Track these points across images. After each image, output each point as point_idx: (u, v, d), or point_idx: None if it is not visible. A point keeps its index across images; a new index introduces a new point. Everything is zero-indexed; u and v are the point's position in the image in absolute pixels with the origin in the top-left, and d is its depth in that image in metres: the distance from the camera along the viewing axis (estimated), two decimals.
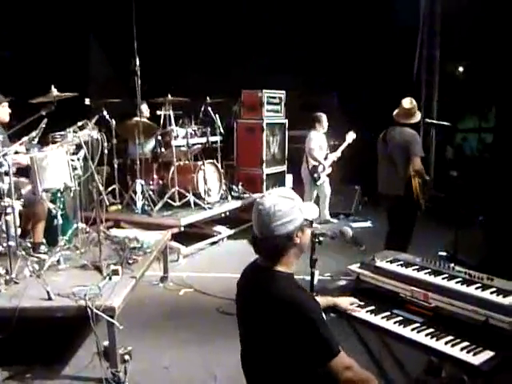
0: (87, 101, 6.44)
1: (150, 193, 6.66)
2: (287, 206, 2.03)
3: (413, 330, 2.39)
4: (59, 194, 4.48)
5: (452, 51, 9.64)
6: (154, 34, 8.26)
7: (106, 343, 3.42)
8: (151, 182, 6.82)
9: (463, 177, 10.42)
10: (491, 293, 2.43)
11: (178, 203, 6.69)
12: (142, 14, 6.56)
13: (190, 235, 6.56)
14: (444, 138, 10.96)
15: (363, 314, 2.57)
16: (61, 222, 4.38)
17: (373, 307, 2.62)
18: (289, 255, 2.08)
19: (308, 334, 1.93)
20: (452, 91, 10.40)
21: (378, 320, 2.52)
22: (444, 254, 5.70)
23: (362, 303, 2.63)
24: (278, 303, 1.98)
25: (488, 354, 2.13)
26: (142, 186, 6.56)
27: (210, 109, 7.33)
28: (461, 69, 12.77)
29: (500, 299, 2.35)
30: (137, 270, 4.08)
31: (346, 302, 2.59)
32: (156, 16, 8.58)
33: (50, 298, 3.44)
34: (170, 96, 6.83)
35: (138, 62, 6.29)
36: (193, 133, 7.04)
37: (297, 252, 2.11)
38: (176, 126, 6.96)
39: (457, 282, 2.57)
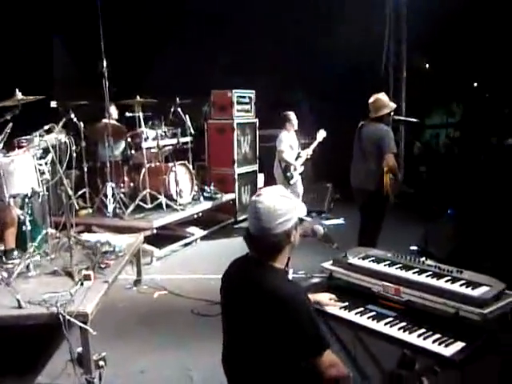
0: (53, 103, 6.33)
1: (121, 196, 6.58)
2: (286, 205, 2.10)
3: (386, 324, 2.42)
4: (27, 200, 4.37)
5: (418, 47, 9.81)
6: (121, 35, 8.15)
7: (79, 350, 3.36)
8: (122, 185, 6.75)
9: (431, 172, 10.65)
10: (461, 285, 2.47)
11: (149, 205, 6.64)
12: (108, 15, 6.46)
13: (162, 237, 6.51)
14: (412, 134, 11.14)
15: (337, 310, 2.60)
16: (29, 228, 4.28)
17: (346, 303, 2.64)
18: (284, 252, 2.15)
19: (296, 327, 1.97)
20: (419, 87, 10.57)
21: (351, 316, 2.54)
22: (415, 248, 5.79)
23: (337, 299, 2.65)
24: (270, 295, 2.01)
25: (459, 345, 2.17)
26: (112, 188, 6.48)
27: (179, 109, 7.29)
28: (427, 65, 12.99)
29: (469, 291, 2.39)
30: (109, 274, 4.02)
31: (325, 298, 2.62)
32: (123, 16, 8.49)
33: (20, 306, 3.36)
34: (138, 97, 6.76)
35: (105, 64, 6.20)
36: (163, 134, 6.99)
37: (290, 249, 2.17)
38: (146, 127, 6.90)
39: (427, 276, 2.60)
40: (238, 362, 2.16)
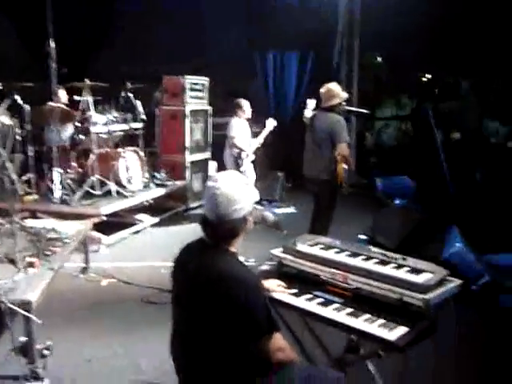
0: None
1: (69, 181, 6.39)
2: (243, 192, 2.12)
3: (333, 310, 2.47)
4: None
5: (370, 41, 9.98)
6: (70, 15, 7.89)
7: (23, 339, 3.26)
8: (70, 171, 6.55)
9: (382, 163, 10.91)
10: (405, 272, 2.54)
11: (98, 192, 6.49)
12: None
13: (112, 224, 6.37)
14: (364, 125, 11.37)
15: (286, 296, 2.62)
16: None
17: (295, 290, 2.67)
18: (239, 237, 2.18)
19: (248, 308, 2.00)
20: (370, 80, 10.79)
21: (300, 302, 2.57)
22: (364, 237, 5.93)
23: (286, 285, 2.68)
24: (224, 277, 2.03)
25: (403, 330, 2.23)
26: (59, 174, 6.29)
27: (130, 95, 7.14)
28: (379, 59, 13.25)
29: (413, 277, 2.47)
30: (55, 261, 3.91)
31: (273, 285, 2.64)
32: None
33: None
34: (88, 81, 6.57)
35: (52, 44, 5.98)
36: (113, 119, 6.84)
37: (244, 233, 2.20)
38: (95, 112, 6.71)
39: (373, 263, 2.67)
40: (187, 348, 2.15)
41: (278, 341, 2.07)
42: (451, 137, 12.76)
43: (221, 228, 2.12)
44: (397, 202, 6.42)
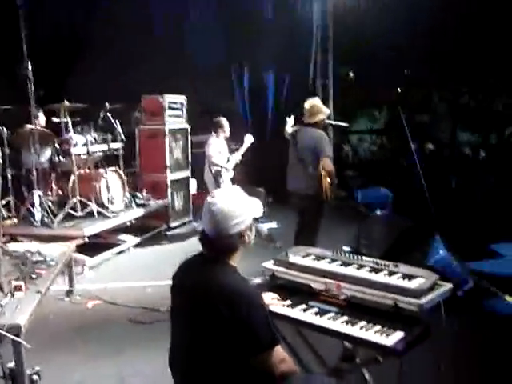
0: None
1: (49, 204, 6.32)
2: (240, 207, 2.15)
3: (329, 319, 2.49)
4: None
5: (343, 56, 10.19)
6: (45, 37, 7.86)
7: (11, 364, 3.19)
8: (50, 193, 6.49)
9: (359, 176, 11.06)
10: (398, 278, 2.59)
11: (80, 213, 6.43)
12: (30, 15, 6.19)
13: (94, 246, 6.31)
14: (340, 139, 11.54)
15: (281, 308, 2.63)
16: None
17: (289, 301, 2.69)
18: (238, 252, 2.20)
19: (249, 322, 2.00)
20: (345, 94, 10.98)
21: (295, 313, 2.59)
22: (348, 248, 5.97)
23: (280, 298, 2.70)
24: (225, 291, 2.04)
25: (399, 335, 2.27)
26: (39, 197, 6.21)
27: (109, 115, 7.12)
28: (351, 74, 13.50)
29: (406, 283, 2.51)
30: (42, 284, 3.85)
31: (268, 298, 2.65)
32: (46, 17, 8.16)
33: None
34: (66, 102, 6.54)
35: (30, 67, 5.93)
36: (93, 140, 6.81)
37: (244, 248, 2.22)
38: (75, 133, 6.67)
39: (366, 271, 2.71)
40: (187, 362, 2.14)
41: (280, 353, 2.08)
42: (425, 148, 13.05)
43: (218, 243, 2.14)
44: (377, 212, 6.49)
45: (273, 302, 2.66)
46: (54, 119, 6.75)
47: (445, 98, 13.48)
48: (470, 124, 12.90)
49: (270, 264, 2.99)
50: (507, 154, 11.22)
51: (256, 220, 2.27)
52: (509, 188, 7.95)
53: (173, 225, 8.06)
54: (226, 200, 2.14)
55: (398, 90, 14.62)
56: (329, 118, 5.81)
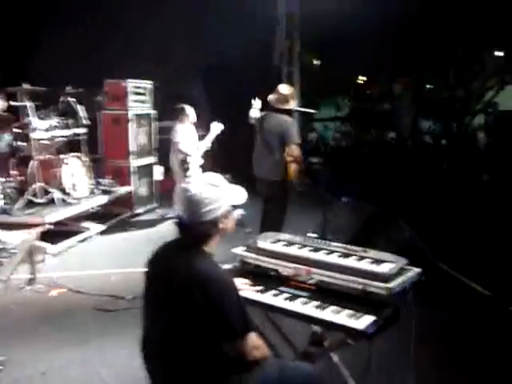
0: None
1: (9, 190, 6.12)
2: (213, 194, 2.11)
3: (301, 304, 2.51)
4: None
5: (310, 43, 10.21)
6: (6, 18, 7.55)
7: None
8: (9, 179, 6.27)
9: (324, 163, 11.19)
10: (367, 263, 2.63)
11: (41, 200, 6.25)
12: None
13: (57, 233, 6.15)
14: (304, 127, 11.62)
15: (252, 294, 2.64)
16: None
17: (260, 287, 2.69)
18: (213, 239, 2.18)
19: (222, 308, 1.99)
20: (310, 82, 11.03)
21: (266, 298, 2.61)
22: (313, 235, 6.01)
23: (251, 283, 2.70)
24: (198, 277, 2.02)
25: (369, 319, 2.31)
26: None
27: (71, 99, 6.93)
28: (317, 61, 13.58)
29: (375, 268, 2.55)
30: (3, 272, 3.76)
31: (238, 283, 2.63)
32: None
33: None
34: (26, 85, 6.32)
35: None
36: (55, 125, 6.60)
37: (221, 236, 2.21)
38: (35, 117, 6.46)
39: (336, 256, 2.74)
40: (159, 349, 2.12)
41: (254, 339, 2.09)
42: (387, 136, 13.31)
43: (192, 229, 2.13)
44: (343, 199, 6.58)
45: (243, 287, 2.66)
46: (13, 103, 6.52)
47: (407, 87, 13.73)
48: (432, 113, 13.19)
49: (240, 250, 2.99)
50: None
51: (234, 207, 2.24)
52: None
53: (137, 211, 7.95)
54: (199, 186, 2.13)
55: (361, 78, 14.83)
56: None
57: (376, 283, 2.44)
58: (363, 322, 2.29)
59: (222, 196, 2.15)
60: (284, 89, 5.26)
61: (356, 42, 10.69)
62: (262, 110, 5.53)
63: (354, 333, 2.27)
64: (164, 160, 7.96)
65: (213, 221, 2.12)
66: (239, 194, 2.27)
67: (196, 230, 2.13)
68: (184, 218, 2.13)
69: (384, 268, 2.53)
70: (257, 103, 5.54)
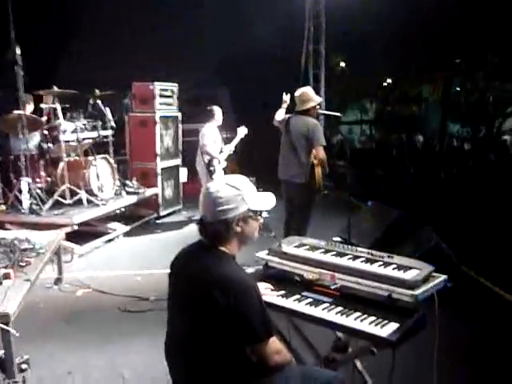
0: None
1: (38, 191, 6.24)
2: (229, 194, 2.09)
3: (323, 309, 2.48)
4: None
5: (336, 47, 10.16)
6: (34, 21, 7.70)
7: (0, 353, 3.16)
8: (38, 180, 6.39)
9: (349, 166, 11.08)
10: (393, 269, 2.58)
11: (69, 201, 6.36)
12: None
13: (84, 234, 6.26)
14: (330, 129, 11.56)
15: (275, 298, 2.62)
16: None
17: (283, 291, 2.67)
18: (231, 241, 2.14)
19: (244, 312, 1.98)
20: (336, 84, 10.97)
21: (289, 303, 2.58)
22: (338, 239, 5.96)
23: (273, 288, 2.68)
24: (219, 280, 2.00)
25: (394, 326, 2.26)
26: (28, 184, 6.12)
27: (99, 102, 7.03)
28: (343, 64, 13.47)
29: (401, 274, 2.50)
30: (31, 272, 3.80)
31: (261, 287, 2.61)
32: (37, 1, 8.01)
33: None
34: (56, 88, 6.43)
35: (18, 51, 5.82)
36: (82, 127, 6.71)
37: (240, 240, 2.17)
38: (64, 119, 6.58)
39: (360, 262, 2.70)
40: (184, 350, 2.11)
41: (275, 343, 2.07)
42: (415, 140, 13.10)
43: (207, 227, 2.13)
44: (368, 203, 6.50)
45: (266, 292, 2.64)
46: (43, 105, 6.64)
47: (435, 90, 13.53)
48: (460, 117, 12.97)
49: (263, 254, 2.97)
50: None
51: (257, 213, 2.20)
52: None
53: (162, 213, 8.02)
54: (218, 185, 2.12)
55: (387, 81, 14.66)
56: (320, 107, 5.78)
57: (401, 290, 2.39)
58: (388, 329, 2.24)
59: (240, 199, 2.11)
60: (298, 91, 5.29)
61: (383, 44, 10.59)
62: (286, 112, 5.54)
63: (378, 340, 2.23)
64: (188, 162, 8.02)
65: (226, 221, 2.09)
66: (264, 201, 2.23)
67: (210, 229, 2.12)
68: (203, 217, 2.15)
69: (410, 275, 2.48)
70: (287, 98, 5.54)
